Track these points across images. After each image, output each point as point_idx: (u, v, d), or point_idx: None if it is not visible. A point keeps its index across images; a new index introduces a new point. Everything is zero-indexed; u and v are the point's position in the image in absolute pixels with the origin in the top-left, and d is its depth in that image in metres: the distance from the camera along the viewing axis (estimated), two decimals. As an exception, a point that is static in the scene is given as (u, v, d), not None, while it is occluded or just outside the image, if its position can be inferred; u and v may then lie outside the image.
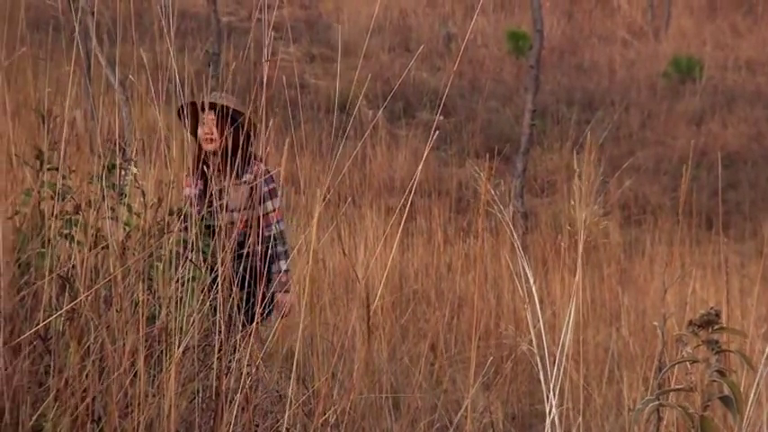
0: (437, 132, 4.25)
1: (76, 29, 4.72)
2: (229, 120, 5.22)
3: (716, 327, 2.60)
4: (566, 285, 8.39)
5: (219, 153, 5.28)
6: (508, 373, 6.60)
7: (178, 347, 3.47)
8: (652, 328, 7.94)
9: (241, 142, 5.04)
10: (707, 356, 2.72)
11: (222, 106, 5.24)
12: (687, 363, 2.81)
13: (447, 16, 21.53)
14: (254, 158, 5.38)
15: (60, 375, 3.29)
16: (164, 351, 3.57)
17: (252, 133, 5.32)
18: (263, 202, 5.34)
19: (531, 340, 3.51)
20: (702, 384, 2.81)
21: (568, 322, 3.24)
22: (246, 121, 5.17)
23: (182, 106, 5.33)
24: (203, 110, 5.30)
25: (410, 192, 3.90)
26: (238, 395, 3.64)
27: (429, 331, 7.51)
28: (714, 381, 2.67)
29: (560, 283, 8.63)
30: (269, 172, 5.39)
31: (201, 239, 4.26)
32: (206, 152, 5.37)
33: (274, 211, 5.38)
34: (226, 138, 5.22)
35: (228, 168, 5.03)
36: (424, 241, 9.67)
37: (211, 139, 5.33)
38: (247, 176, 5.30)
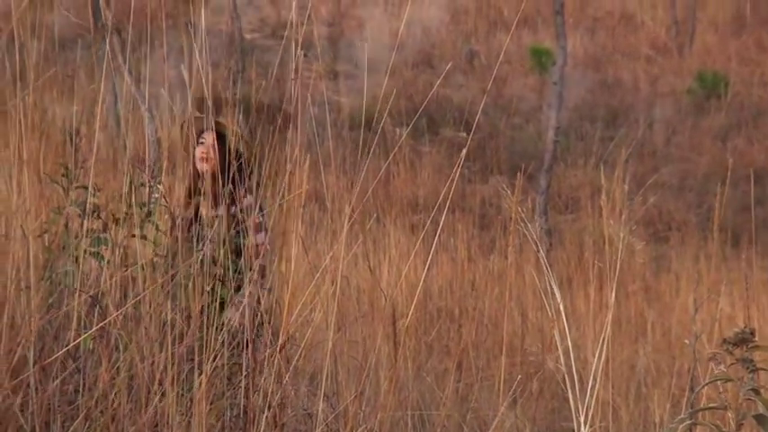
0: (458, 148, 4.24)
1: (106, 44, 4.74)
2: (228, 145, 5.07)
3: (750, 345, 2.58)
4: (590, 302, 8.36)
5: (212, 176, 5.18)
6: (534, 390, 6.57)
7: (208, 365, 3.46)
8: (678, 345, 7.90)
9: (231, 168, 4.93)
10: (741, 375, 2.70)
11: (223, 131, 5.18)
12: (719, 381, 2.79)
13: (470, 33, 21.55)
14: (243, 189, 5.21)
15: (90, 394, 3.29)
16: (193, 369, 3.57)
17: (248, 164, 5.22)
18: (254, 231, 5.13)
19: (558, 357, 3.50)
20: (736, 403, 2.79)
21: (602, 345, 3.22)
22: (244, 150, 5.12)
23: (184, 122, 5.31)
24: (204, 131, 5.23)
25: (437, 210, 3.90)
26: (266, 413, 3.63)
27: (454, 348, 7.49)
28: (749, 399, 2.65)
29: (584, 299, 8.60)
30: (261, 207, 5.24)
31: (228, 259, 4.26)
32: (199, 173, 5.30)
33: (259, 245, 5.15)
34: (221, 161, 5.14)
35: (219, 192, 4.96)
36: (448, 258, 9.65)
37: (206, 159, 5.28)
38: (234, 209, 5.11)
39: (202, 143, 5.31)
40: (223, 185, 4.95)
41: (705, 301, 7.81)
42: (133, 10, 4.52)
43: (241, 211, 5.10)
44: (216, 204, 5.09)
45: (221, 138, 5.21)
